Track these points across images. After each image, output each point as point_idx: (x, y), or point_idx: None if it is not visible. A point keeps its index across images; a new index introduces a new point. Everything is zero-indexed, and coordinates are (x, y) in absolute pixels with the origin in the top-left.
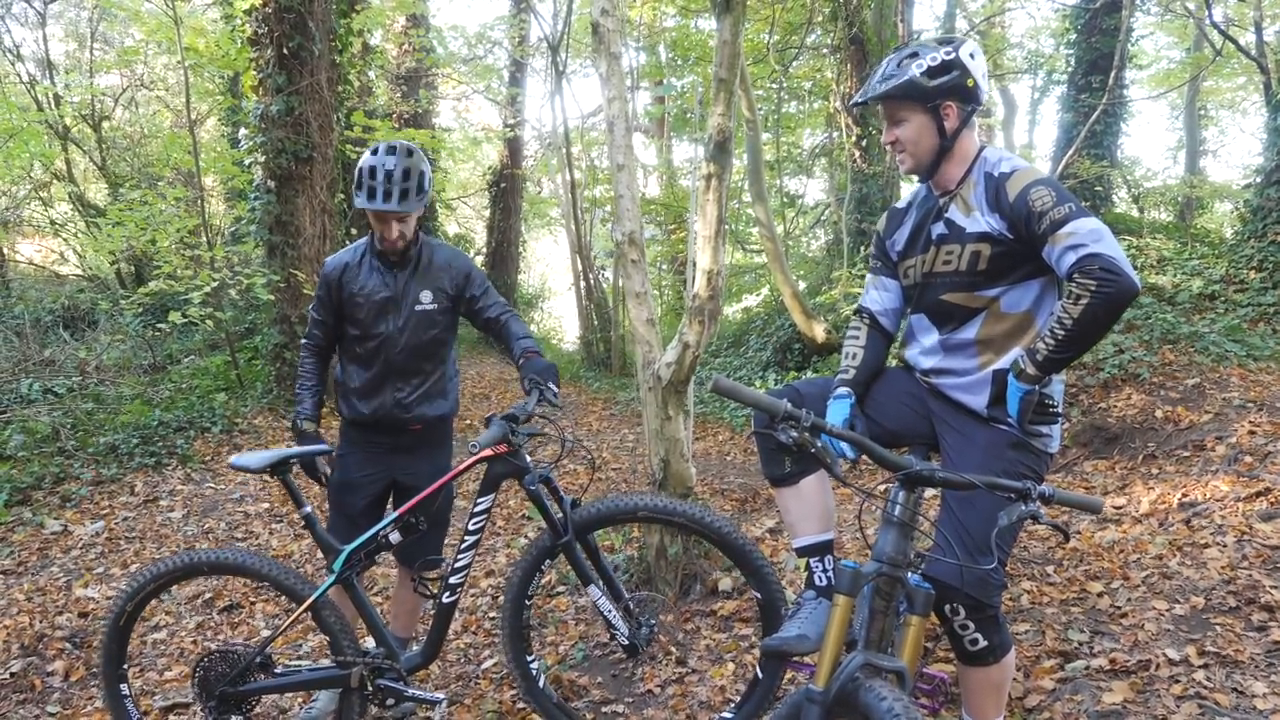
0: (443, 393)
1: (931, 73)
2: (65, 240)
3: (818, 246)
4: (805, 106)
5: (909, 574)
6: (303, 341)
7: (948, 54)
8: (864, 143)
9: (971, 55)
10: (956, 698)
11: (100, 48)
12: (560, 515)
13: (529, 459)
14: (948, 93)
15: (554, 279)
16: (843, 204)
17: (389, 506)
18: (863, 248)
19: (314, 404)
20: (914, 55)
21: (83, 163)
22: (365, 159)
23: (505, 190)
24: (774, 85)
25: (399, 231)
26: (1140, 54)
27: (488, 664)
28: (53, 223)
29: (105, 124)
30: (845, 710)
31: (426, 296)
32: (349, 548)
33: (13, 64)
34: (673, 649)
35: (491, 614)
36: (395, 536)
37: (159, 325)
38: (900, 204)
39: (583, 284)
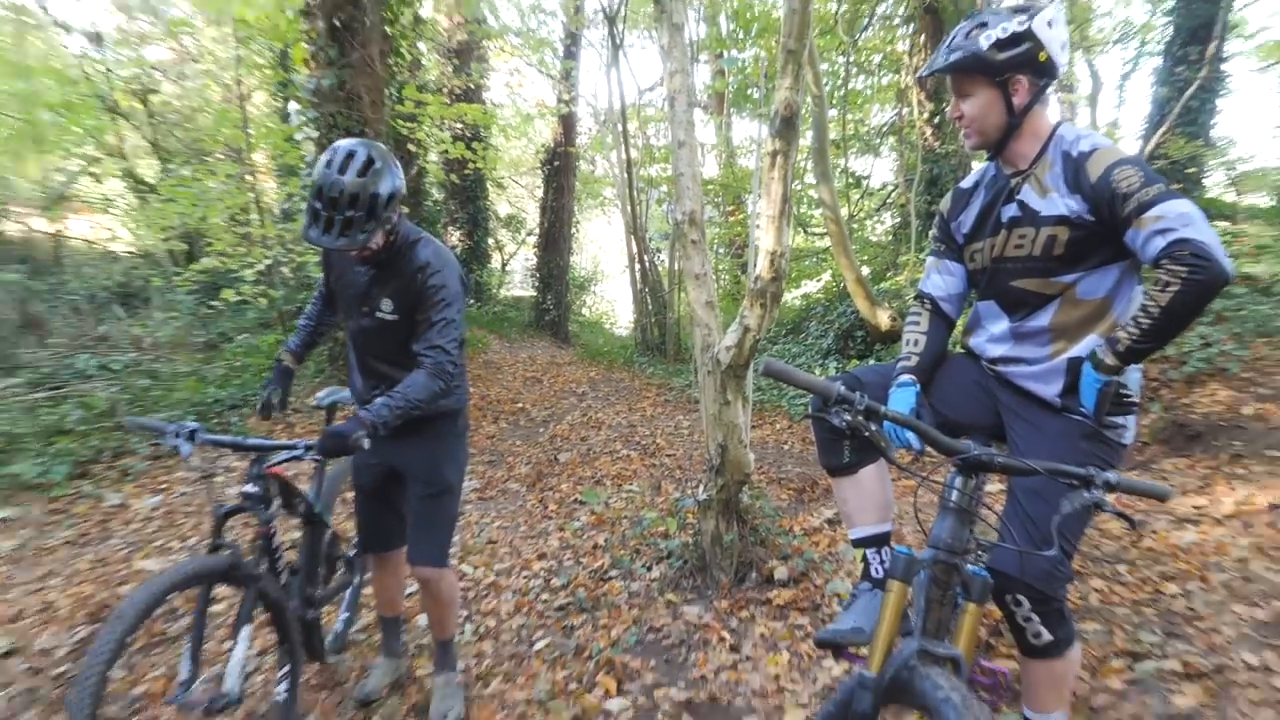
0: None
1: (1000, 45)
2: (117, 216)
3: (883, 230)
4: (873, 81)
5: (966, 562)
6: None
7: (1020, 24)
8: (936, 120)
9: (1049, 24)
10: (1019, 694)
11: (149, 20)
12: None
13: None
14: (1017, 66)
15: (606, 261)
16: (911, 185)
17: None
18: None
19: (302, 341)
20: (983, 25)
21: (133, 138)
22: (319, 168)
23: (558, 169)
24: (841, 59)
25: (365, 254)
26: (1243, 23)
27: (540, 644)
28: (105, 198)
29: (154, 98)
30: (899, 697)
31: (387, 305)
32: None
33: (62, 36)
34: (726, 635)
35: (544, 596)
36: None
37: (212, 303)
38: (966, 183)
39: (637, 267)
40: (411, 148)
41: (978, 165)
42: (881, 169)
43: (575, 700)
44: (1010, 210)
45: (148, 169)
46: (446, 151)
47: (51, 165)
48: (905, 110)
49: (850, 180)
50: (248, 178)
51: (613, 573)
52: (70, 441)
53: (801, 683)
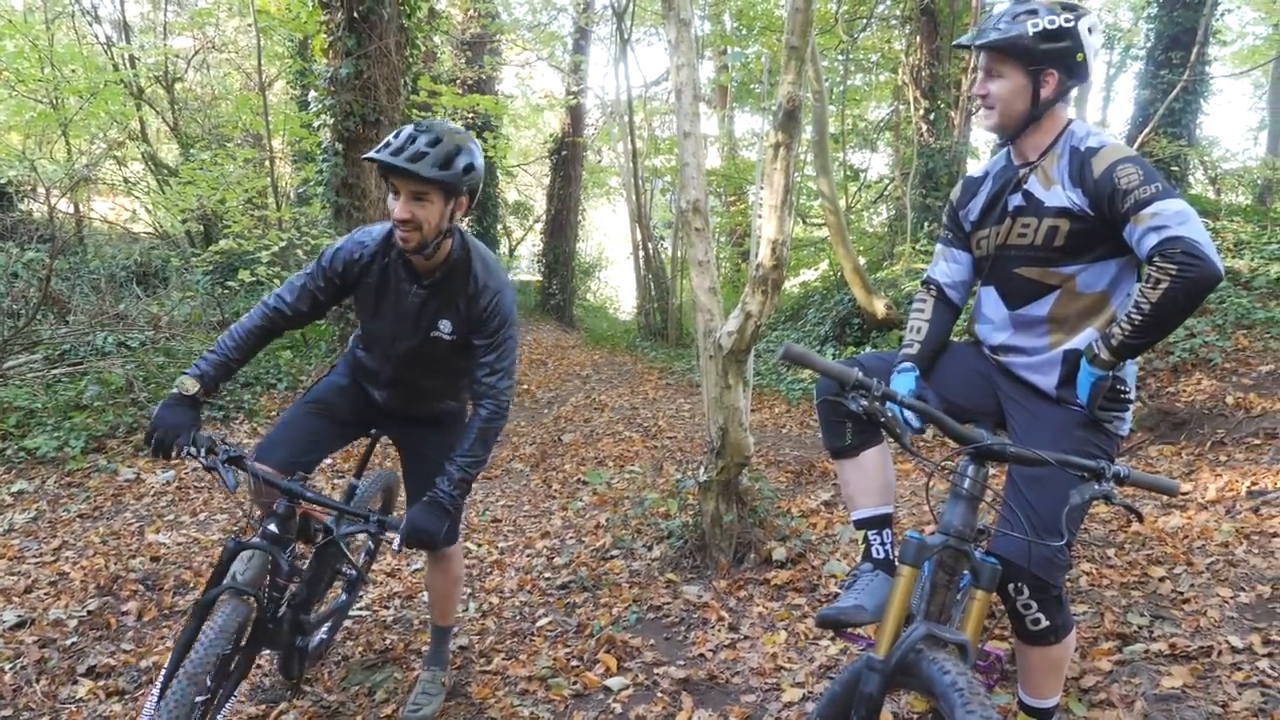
0: (455, 395)
1: (1044, 35)
2: (138, 198)
3: (879, 222)
4: (871, 79)
5: (974, 549)
6: (262, 302)
7: (1066, 20)
8: (931, 116)
9: (1090, 30)
10: (1011, 675)
11: (174, 10)
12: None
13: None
14: (1053, 60)
15: (611, 248)
16: (907, 178)
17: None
18: (926, 223)
19: (218, 369)
20: (1033, 12)
21: (155, 123)
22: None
23: (566, 158)
24: (841, 57)
25: (410, 214)
26: (1224, 30)
27: (542, 622)
28: (126, 181)
29: (178, 85)
30: (906, 681)
31: (446, 325)
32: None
33: (90, 25)
34: (725, 614)
35: (546, 574)
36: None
37: (228, 283)
38: (976, 173)
39: (641, 253)
40: None
41: (973, 162)
42: (878, 163)
43: (576, 677)
44: (1016, 199)
45: (168, 153)
46: None
47: (76, 149)
48: (902, 107)
49: (848, 173)
50: (266, 163)
51: (614, 552)
52: (86, 417)
53: (798, 662)
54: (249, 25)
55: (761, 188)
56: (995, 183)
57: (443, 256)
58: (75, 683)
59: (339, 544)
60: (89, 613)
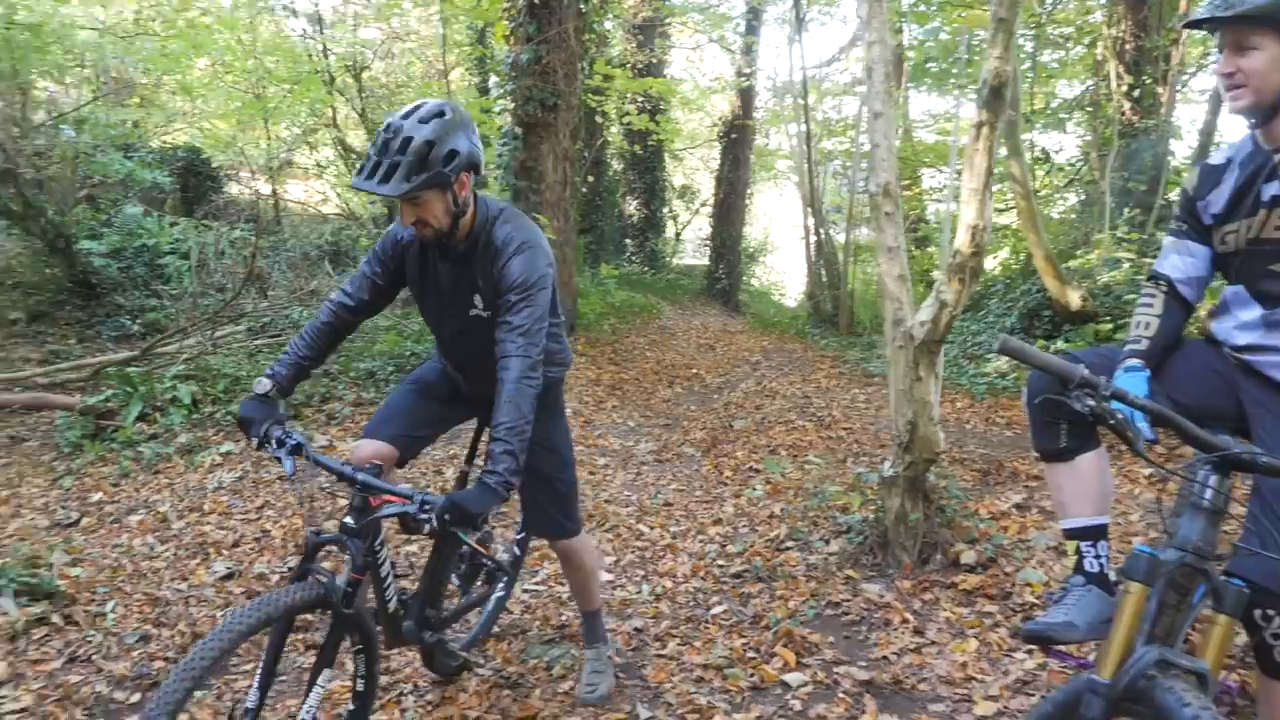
0: None
1: None
2: (328, 181)
3: (1067, 207)
4: (1061, 55)
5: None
6: (329, 298)
7: None
8: (1136, 93)
9: None
10: (1245, 711)
11: (363, 3)
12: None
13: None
14: None
15: (776, 232)
16: (1105, 161)
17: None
18: (1126, 208)
19: (291, 370)
20: None
21: (344, 110)
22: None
23: (735, 141)
24: (1031, 32)
25: (416, 217)
26: None
27: (717, 610)
28: (318, 165)
29: (365, 74)
30: (1134, 709)
31: (479, 301)
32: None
33: (288, 19)
34: (909, 617)
35: (719, 561)
36: None
37: None
38: (1216, 159)
39: (813, 239)
40: (599, 119)
41: (1176, 144)
42: (1067, 144)
43: (753, 669)
44: (1272, 189)
45: (356, 138)
46: (630, 123)
47: (275, 135)
48: (1101, 83)
49: (1039, 155)
50: None
51: (789, 543)
52: None
53: (991, 674)
54: (431, 15)
55: (944, 170)
56: (1242, 171)
57: (465, 229)
58: None
59: (456, 534)
60: (289, 569)
